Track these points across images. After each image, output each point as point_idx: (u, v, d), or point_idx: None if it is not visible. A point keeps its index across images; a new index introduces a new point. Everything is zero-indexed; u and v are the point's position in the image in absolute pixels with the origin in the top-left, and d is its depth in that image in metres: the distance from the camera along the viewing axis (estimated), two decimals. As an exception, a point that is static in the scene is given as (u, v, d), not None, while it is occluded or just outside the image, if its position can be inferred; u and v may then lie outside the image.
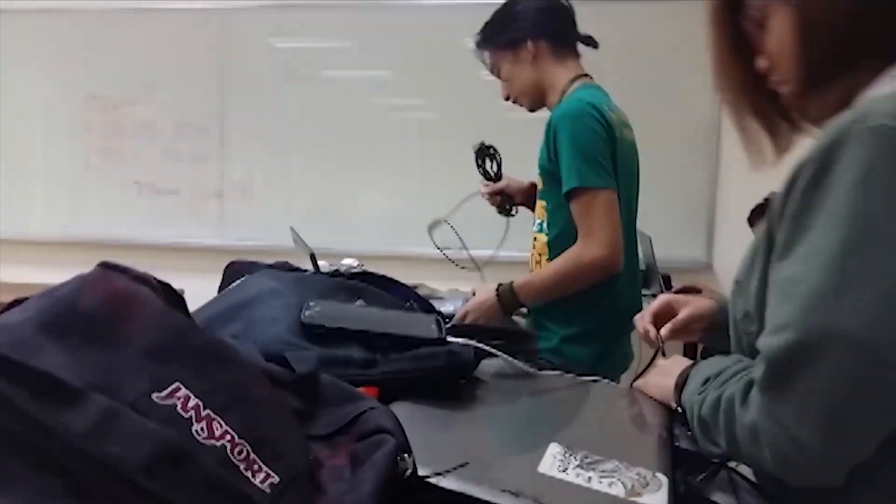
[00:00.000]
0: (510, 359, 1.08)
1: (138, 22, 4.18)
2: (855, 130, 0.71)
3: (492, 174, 2.06)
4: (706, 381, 0.88)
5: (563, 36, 1.86)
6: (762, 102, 0.95)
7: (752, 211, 3.21)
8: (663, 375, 1.05)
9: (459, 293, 2.30)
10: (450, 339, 1.03)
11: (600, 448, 0.84)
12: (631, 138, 1.87)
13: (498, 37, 1.89)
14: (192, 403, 0.63)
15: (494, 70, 1.93)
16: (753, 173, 1.02)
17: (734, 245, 4.06)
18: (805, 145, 0.92)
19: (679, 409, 0.98)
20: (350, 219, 4.05)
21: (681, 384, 0.98)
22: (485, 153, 2.05)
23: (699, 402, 0.87)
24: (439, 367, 0.96)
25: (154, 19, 4.18)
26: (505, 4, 1.90)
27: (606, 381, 1.18)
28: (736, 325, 0.91)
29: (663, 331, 1.17)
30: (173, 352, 0.66)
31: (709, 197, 3.70)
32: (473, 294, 1.85)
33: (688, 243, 3.76)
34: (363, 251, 3.32)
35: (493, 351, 1.05)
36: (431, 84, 4.01)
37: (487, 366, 1.10)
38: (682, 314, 1.17)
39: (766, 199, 3.11)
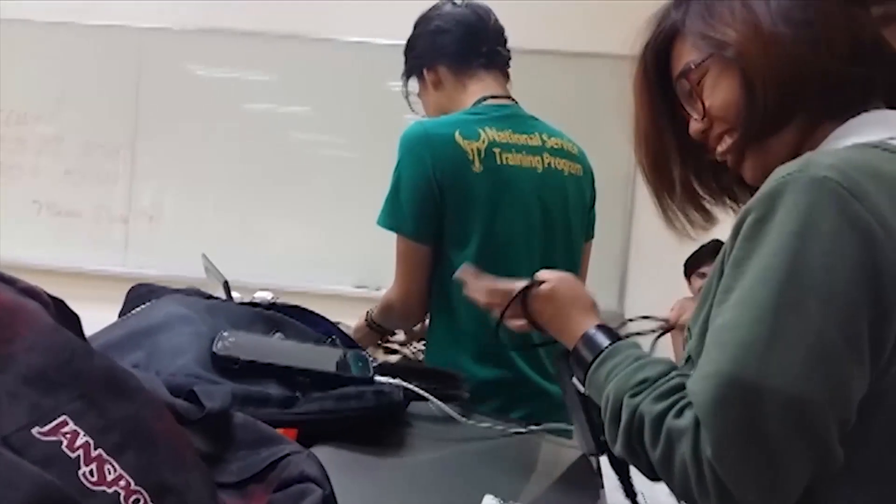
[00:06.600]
0: (441, 403, 1.00)
1: (54, 35, 4.00)
2: (795, 180, 0.72)
3: None
4: (644, 381, 0.80)
5: (463, 57, 1.67)
6: (686, 172, 0.97)
7: (687, 262, 3.24)
8: (567, 306, 1.01)
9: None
10: (377, 378, 0.95)
11: (536, 501, 0.77)
12: (534, 164, 1.63)
13: (404, 68, 1.77)
14: (80, 441, 0.54)
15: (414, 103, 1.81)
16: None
17: (646, 296, 4.13)
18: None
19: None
20: (264, 253, 3.93)
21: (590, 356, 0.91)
22: None
23: (632, 406, 0.79)
24: (367, 409, 0.88)
25: (70, 34, 4.01)
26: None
27: (538, 430, 1.12)
28: (681, 370, 0.87)
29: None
30: (61, 379, 0.56)
31: (622, 247, 3.74)
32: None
33: (599, 293, 3.76)
34: (277, 285, 3.20)
35: (424, 393, 0.97)
36: (352, 122, 3.97)
37: (413, 408, 1.02)
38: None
39: (702, 248, 3.16)
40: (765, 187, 0.75)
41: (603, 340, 0.91)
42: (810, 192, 0.71)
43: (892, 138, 0.79)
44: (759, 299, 0.70)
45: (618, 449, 0.80)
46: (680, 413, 0.72)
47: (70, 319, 0.64)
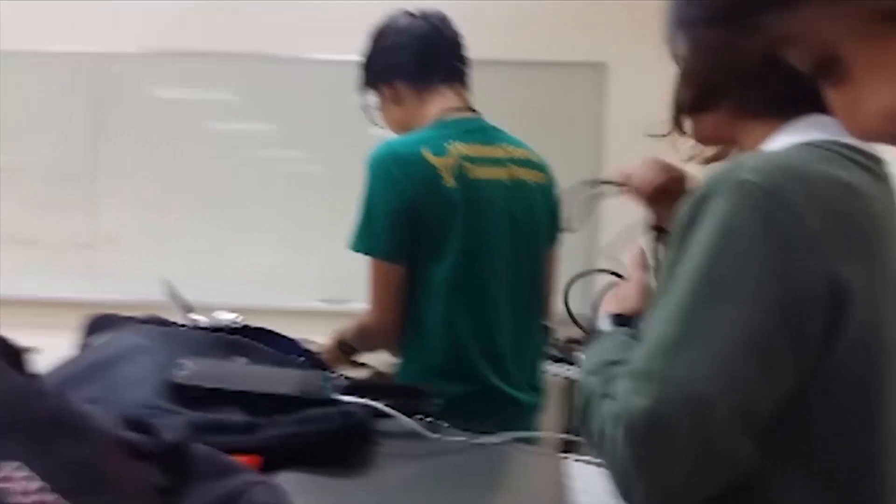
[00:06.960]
0: (407, 419, 0.99)
1: (11, 64, 3.93)
2: (720, 183, 0.75)
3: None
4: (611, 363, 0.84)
5: (421, 72, 1.64)
6: None
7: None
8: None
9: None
10: (341, 397, 0.94)
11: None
12: (501, 176, 1.62)
13: (362, 82, 1.73)
14: (33, 486, 0.52)
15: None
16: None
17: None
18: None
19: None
20: (230, 272, 3.88)
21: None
22: None
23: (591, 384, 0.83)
24: (332, 430, 0.87)
25: (28, 62, 3.95)
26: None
27: (506, 440, 1.11)
28: None
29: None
30: (10, 422, 0.55)
31: (587, 254, 3.76)
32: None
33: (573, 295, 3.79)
34: (243, 305, 3.16)
35: (390, 411, 0.96)
36: (315, 138, 3.96)
37: (383, 426, 1.02)
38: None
39: None
40: (695, 192, 0.78)
41: (607, 325, 0.95)
42: (732, 196, 0.73)
43: (838, 140, 0.80)
44: (675, 301, 0.73)
45: (577, 423, 0.82)
46: (613, 400, 0.74)
47: (14, 357, 0.62)
